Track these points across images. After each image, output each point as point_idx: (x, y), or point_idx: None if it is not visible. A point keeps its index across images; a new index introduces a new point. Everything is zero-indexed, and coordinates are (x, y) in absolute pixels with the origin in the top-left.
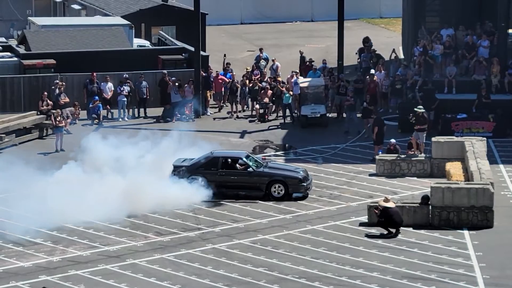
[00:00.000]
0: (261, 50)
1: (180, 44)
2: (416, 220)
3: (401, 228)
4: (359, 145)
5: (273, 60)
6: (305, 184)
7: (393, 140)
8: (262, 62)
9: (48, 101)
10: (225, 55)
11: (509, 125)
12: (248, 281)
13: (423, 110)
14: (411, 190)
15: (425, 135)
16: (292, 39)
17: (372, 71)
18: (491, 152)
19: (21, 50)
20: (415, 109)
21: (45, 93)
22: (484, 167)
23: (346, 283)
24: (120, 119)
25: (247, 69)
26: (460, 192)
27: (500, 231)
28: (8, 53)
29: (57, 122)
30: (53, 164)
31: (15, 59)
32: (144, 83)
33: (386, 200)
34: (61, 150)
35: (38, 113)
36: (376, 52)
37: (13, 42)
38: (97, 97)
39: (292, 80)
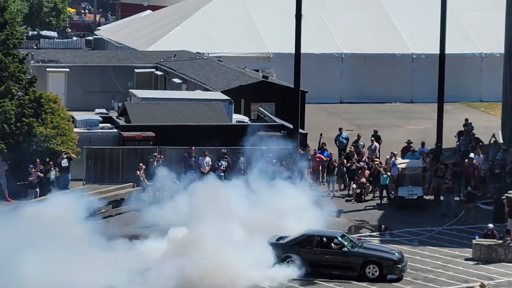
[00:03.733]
0: (340, 129)
1: (278, 121)
2: None
3: None
4: (456, 229)
5: (372, 140)
6: (400, 266)
7: (490, 225)
8: (361, 142)
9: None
10: (321, 135)
11: None
12: None
13: None
14: (507, 276)
15: None
16: (391, 120)
17: (472, 154)
18: None
19: (121, 121)
20: (506, 194)
21: (141, 164)
22: None
23: None
24: None
25: (350, 148)
26: None
27: None
28: (109, 125)
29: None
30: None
31: (115, 130)
32: (242, 158)
33: (482, 286)
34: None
35: (135, 185)
36: (475, 136)
37: (113, 114)
38: (193, 171)
39: (391, 161)
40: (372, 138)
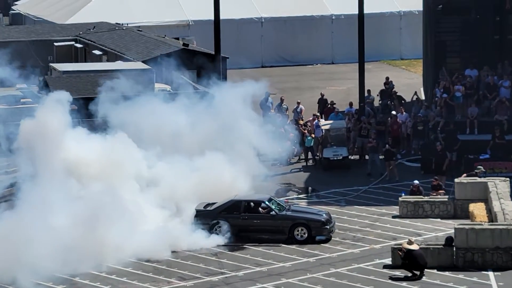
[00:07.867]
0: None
1: (201, 88)
2: (440, 262)
3: (426, 270)
4: (382, 187)
5: (298, 103)
6: (328, 226)
7: (416, 182)
8: (284, 105)
9: None
10: None
11: None
12: None
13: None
14: (434, 231)
15: None
16: (313, 82)
17: (393, 112)
18: None
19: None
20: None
21: None
22: (508, 207)
23: None
24: None
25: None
26: (484, 233)
27: None
28: (30, 100)
29: None
30: None
31: (37, 105)
32: None
33: (410, 242)
34: None
35: None
36: (397, 94)
37: (35, 89)
38: None
39: (314, 123)
40: (299, 101)
